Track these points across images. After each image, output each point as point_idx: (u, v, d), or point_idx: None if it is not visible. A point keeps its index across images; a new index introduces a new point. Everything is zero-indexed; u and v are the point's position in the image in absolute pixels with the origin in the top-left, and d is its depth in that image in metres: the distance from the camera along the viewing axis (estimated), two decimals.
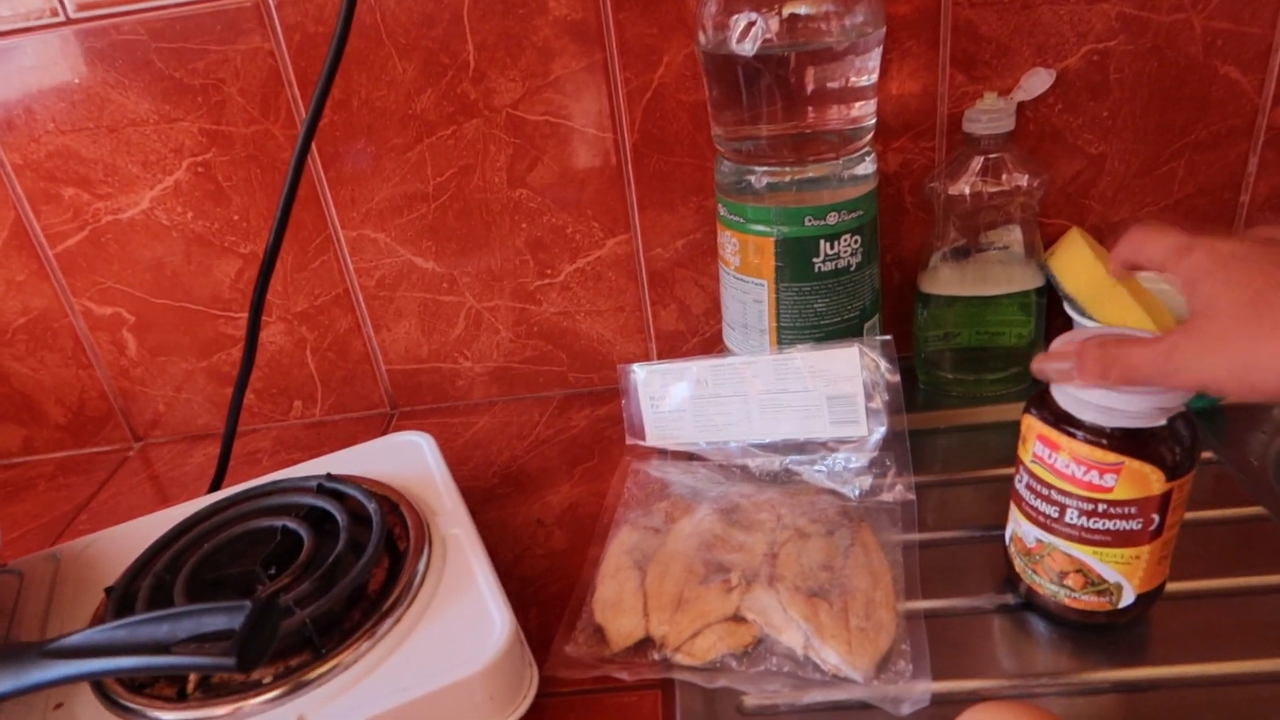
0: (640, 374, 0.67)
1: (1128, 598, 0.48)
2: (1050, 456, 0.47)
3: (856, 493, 0.61)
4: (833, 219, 0.61)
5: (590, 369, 0.81)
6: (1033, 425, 0.48)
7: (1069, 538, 0.47)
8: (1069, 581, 0.49)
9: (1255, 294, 0.37)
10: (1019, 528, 0.51)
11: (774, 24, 0.56)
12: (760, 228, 0.62)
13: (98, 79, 0.69)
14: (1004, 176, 0.65)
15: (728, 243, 0.65)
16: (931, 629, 0.51)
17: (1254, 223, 0.72)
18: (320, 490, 0.57)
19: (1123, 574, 0.47)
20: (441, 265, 0.76)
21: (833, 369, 0.61)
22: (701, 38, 0.59)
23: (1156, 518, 0.45)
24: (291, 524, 0.54)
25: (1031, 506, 0.49)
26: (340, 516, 0.54)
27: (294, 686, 0.45)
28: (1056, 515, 0.47)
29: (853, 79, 0.59)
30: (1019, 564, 0.52)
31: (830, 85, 0.58)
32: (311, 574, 0.50)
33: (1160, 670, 0.48)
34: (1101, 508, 0.46)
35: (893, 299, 0.75)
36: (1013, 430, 0.50)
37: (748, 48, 0.56)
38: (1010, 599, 0.53)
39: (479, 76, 0.68)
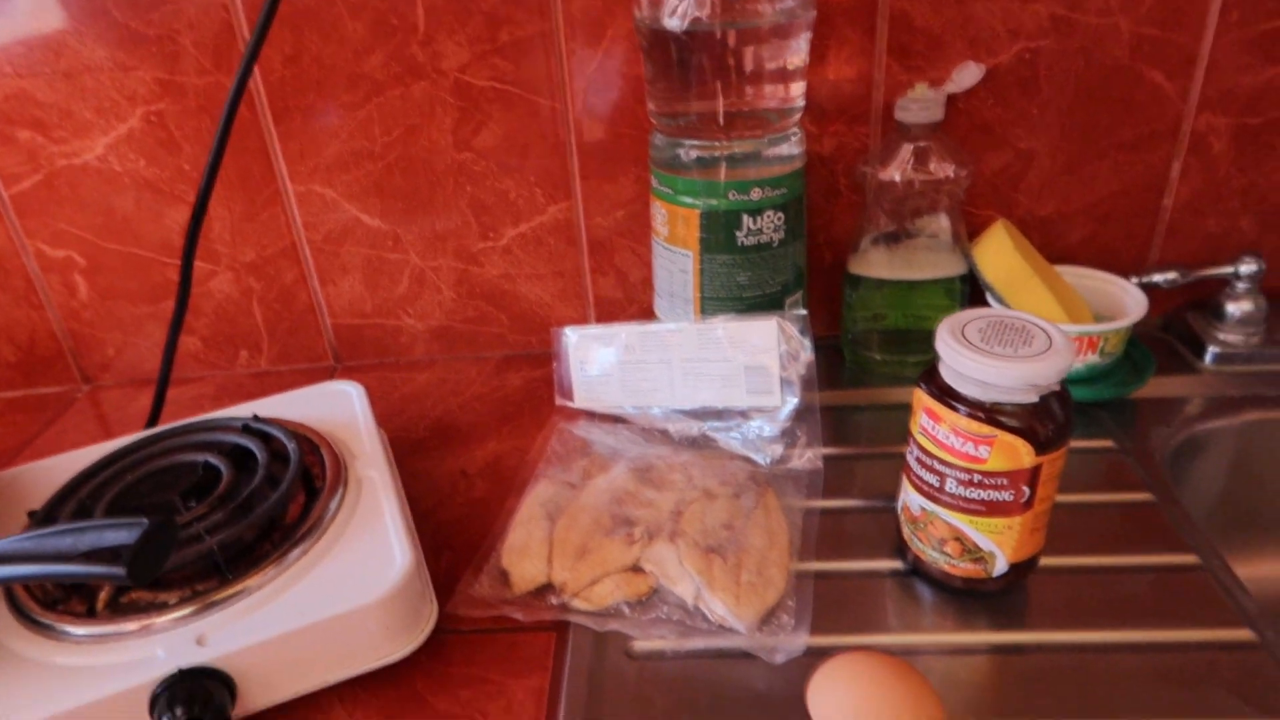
0: (572, 337, 0.69)
1: (1001, 566, 0.50)
2: (934, 428, 0.49)
3: (767, 460, 0.63)
4: (756, 194, 0.63)
5: (529, 331, 0.82)
6: (921, 398, 0.50)
7: (949, 506, 0.50)
8: (948, 549, 0.51)
9: None
10: (908, 497, 0.53)
11: (705, 1, 0.57)
12: (688, 200, 0.64)
13: (55, 24, 0.70)
14: (932, 165, 0.66)
15: (658, 213, 0.67)
16: (821, 589, 0.53)
17: (1176, 226, 0.75)
18: (246, 430, 0.59)
19: (996, 543, 0.50)
20: (387, 223, 0.77)
21: (751, 340, 0.64)
22: (637, 12, 0.61)
23: (1027, 490, 0.48)
24: (214, 459, 0.56)
25: (918, 476, 0.51)
26: (261, 454, 0.56)
27: (201, 608, 0.47)
28: (938, 485, 0.50)
29: (782, 60, 0.61)
30: (906, 531, 0.54)
31: (759, 65, 0.60)
32: (226, 505, 0.52)
33: (1031, 635, 0.50)
34: (977, 478, 0.48)
35: (824, 279, 0.77)
36: None
37: (677, 23, 0.58)
38: (900, 565, 0.55)
39: (427, 39, 0.70)
